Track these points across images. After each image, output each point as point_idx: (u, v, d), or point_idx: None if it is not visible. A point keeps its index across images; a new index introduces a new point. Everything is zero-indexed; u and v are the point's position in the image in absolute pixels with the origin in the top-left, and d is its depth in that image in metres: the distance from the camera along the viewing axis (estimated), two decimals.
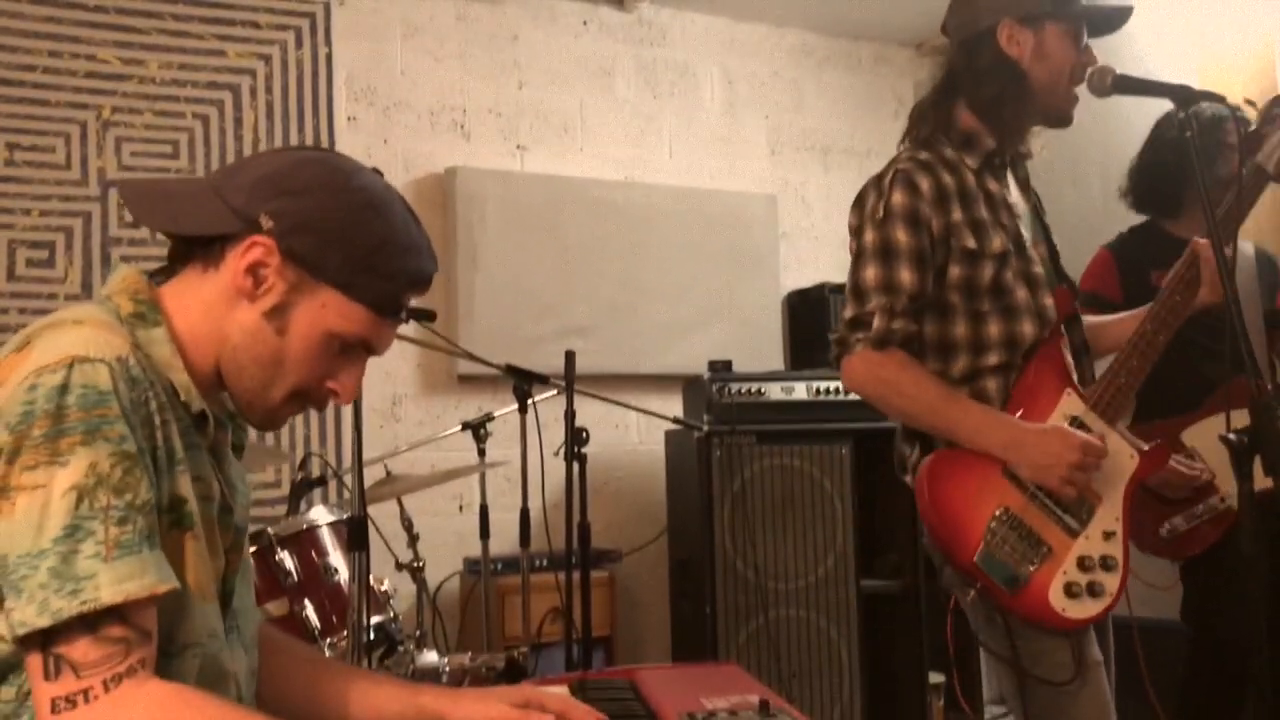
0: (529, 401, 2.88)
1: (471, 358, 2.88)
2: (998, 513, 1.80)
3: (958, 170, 1.89)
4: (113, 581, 0.95)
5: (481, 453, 3.00)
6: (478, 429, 3.00)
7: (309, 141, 3.72)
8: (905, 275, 1.83)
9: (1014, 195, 1.98)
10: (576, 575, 2.77)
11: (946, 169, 1.88)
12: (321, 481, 3.08)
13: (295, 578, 2.51)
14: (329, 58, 3.78)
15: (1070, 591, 1.77)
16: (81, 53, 3.45)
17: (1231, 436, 1.51)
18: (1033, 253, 1.93)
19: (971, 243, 1.84)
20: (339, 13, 3.82)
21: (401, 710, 1.28)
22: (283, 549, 2.52)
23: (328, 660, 1.39)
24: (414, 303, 1.23)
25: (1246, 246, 2.72)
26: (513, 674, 2.50)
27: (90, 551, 0.95)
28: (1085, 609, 1.78)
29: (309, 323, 1.12)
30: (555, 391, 2.89)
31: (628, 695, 1.49)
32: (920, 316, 1.88)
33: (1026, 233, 1.95)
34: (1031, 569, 1.78)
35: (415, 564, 2.76)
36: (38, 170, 3.39)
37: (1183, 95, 1.66)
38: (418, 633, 2.72)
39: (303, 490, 2.94)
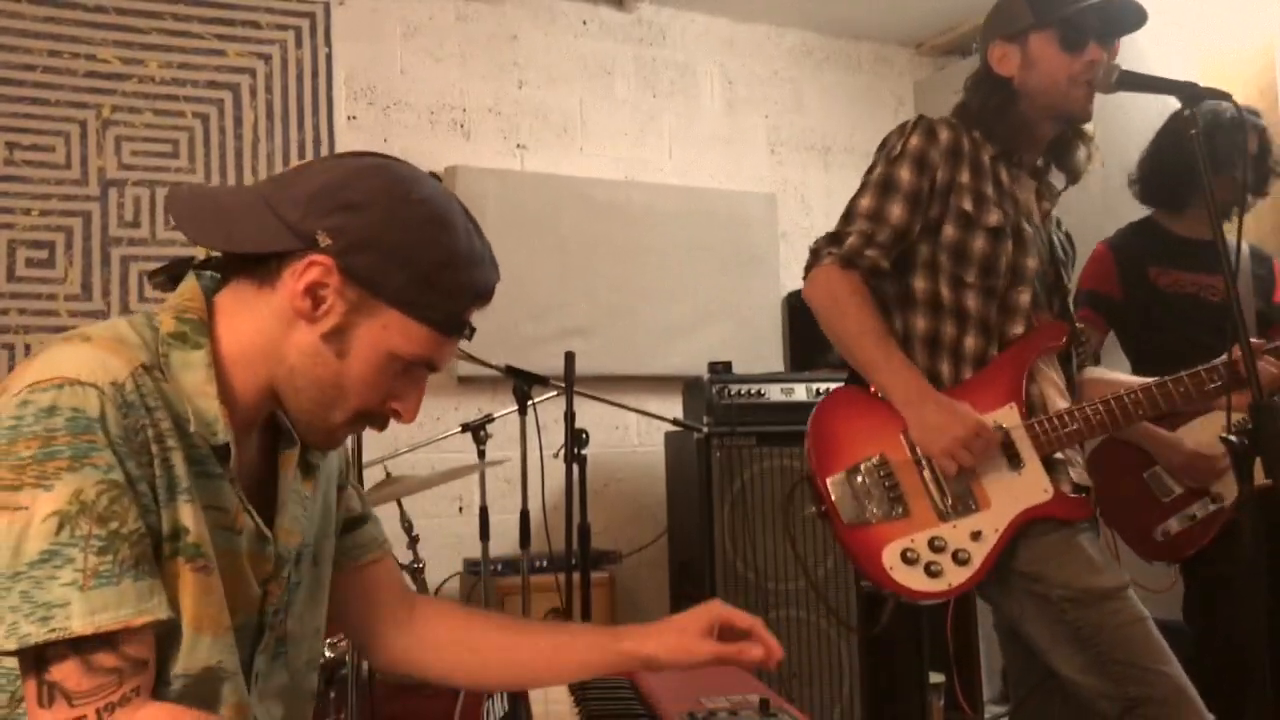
0: (529, 403, 2.88)
1: (471, 359, 2.88)
2: (875, 458, 1.85)
3: (978, 145, 1.96)
4: (85, 612, 0.93)
5: (481, 454, 3.00)
6: (477, 430, 2.99)
7: (309, 141, 3.72)
8: (896, 210, 1.89)
9: (1029, 199, 2.00)
10: (577, 576, 2.76)
11: (969, 136, 1.95)
12: None
13: None
14: (329, 57, 3.79)
15: (906, 557, 1.80)
16: (81, 52, 3.45)
17: (1232, 438, 1.51)
18: (1032, 251, 1.94)
19: (969, 206, 1.90)
20: (339, 12, 3.82)
21: (603, 658, 1.29)
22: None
23: (519, 622, 1.39)
24: None
25: (1243, 246, 2.72)
26: None
27: (67, 579, 0.93)
28: (913, 579, 1.79)
29: (370, 345, 1.07)
30: (555, 393, 2.88)
31: (628, 695, 1.49)
32: (903, 265, 1.93)
33: (1028, 226, 1.96)
34: (877, 518, 1.82)
35: (415, 565, 2.76)
36: (37, 169, 3.39)
37: (1188, 92, 1.66)
38: None
39: None
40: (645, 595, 4.06)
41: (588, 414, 3.02)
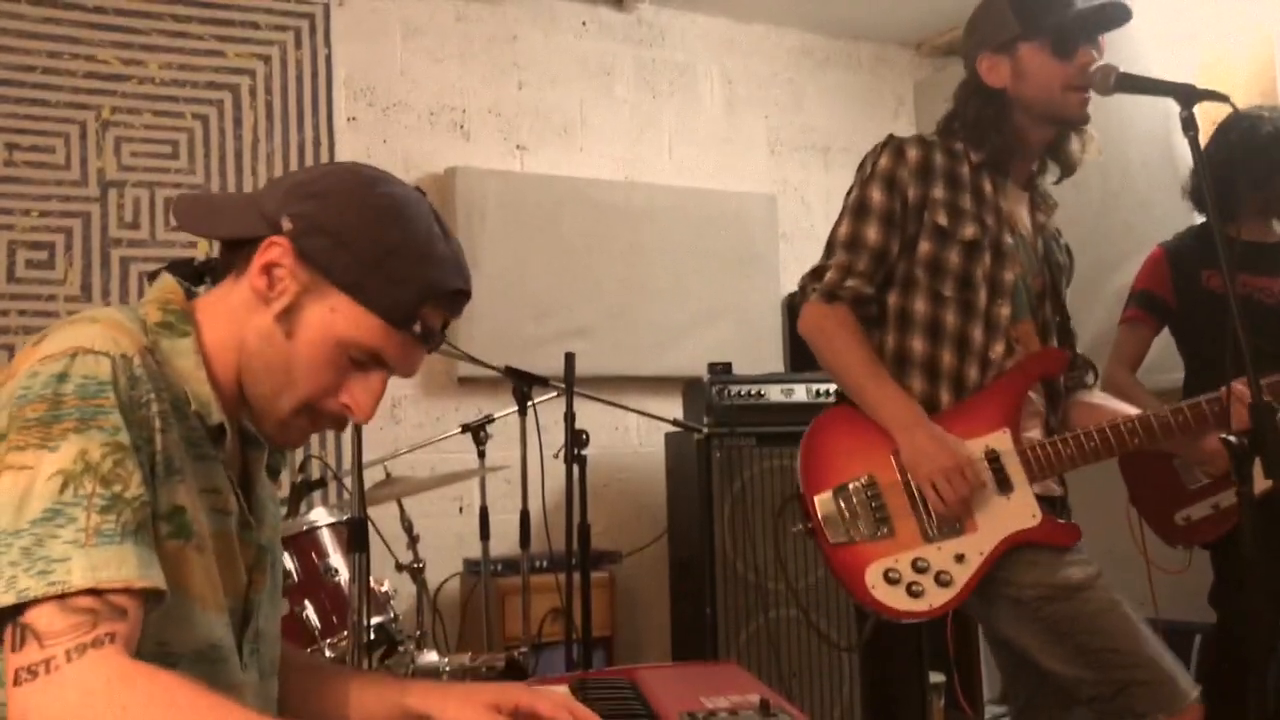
0: (529, 404, 2.88)
1: (471, 360, 2.88)
2: (863, 478, 1.88)
3: (957, 158, 1.96)
4: (86, 568, 0.92)
5: (481, 455, 3.00)
6: (478, 431, 2.99)
7: (308, 142, 3.72)
8: (872, 232, 1.92)
9: (1016, 210, 2.01)
10: (577, 576, 2.76)
11: (945, 153, 1.96)
12: (321, 483, 3.07)
13: (295, 578, 2.51)
14: (328, 58, 3.78)
15: (888, 577, 1.83)
16: (81, 53, 3.45)
17: (1232, 439, 1.51)
18: (1009, 264, 1.94)
19: (943, 220, 1.91)
20: (338, 13, 3.82)
21: (388, 711, 1.27)
22: (283, 550, 2.51)
23: (322, 665, 1.37)
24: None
25: None
26: (513, 674, 2.51)
27: (68, 537, 0.92)
28: (894, 598, 1.82)
29: (317, 327, 1.10)
30: (555, 394, 2.88)
31: (628, 694, 1.49)
32: (881, 283, 1.95)
33: (1020, 253, 1.97)
34: (862, 537, 1.85)
35: (415, 565, 2.76)
36: (37, 170, 3.39)
37: (1185, 94, 1.66)
38: (418, 633, 2.72)
39: (303, 492, 2.93)
40: (645, 595, 4.06)
41: (588, 415, 3.01)
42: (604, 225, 4.06)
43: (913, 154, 1.93)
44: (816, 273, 1.96)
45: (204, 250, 3.30)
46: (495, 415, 3.05)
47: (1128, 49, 3.75)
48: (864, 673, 3.40)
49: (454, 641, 3.60)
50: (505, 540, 3.28)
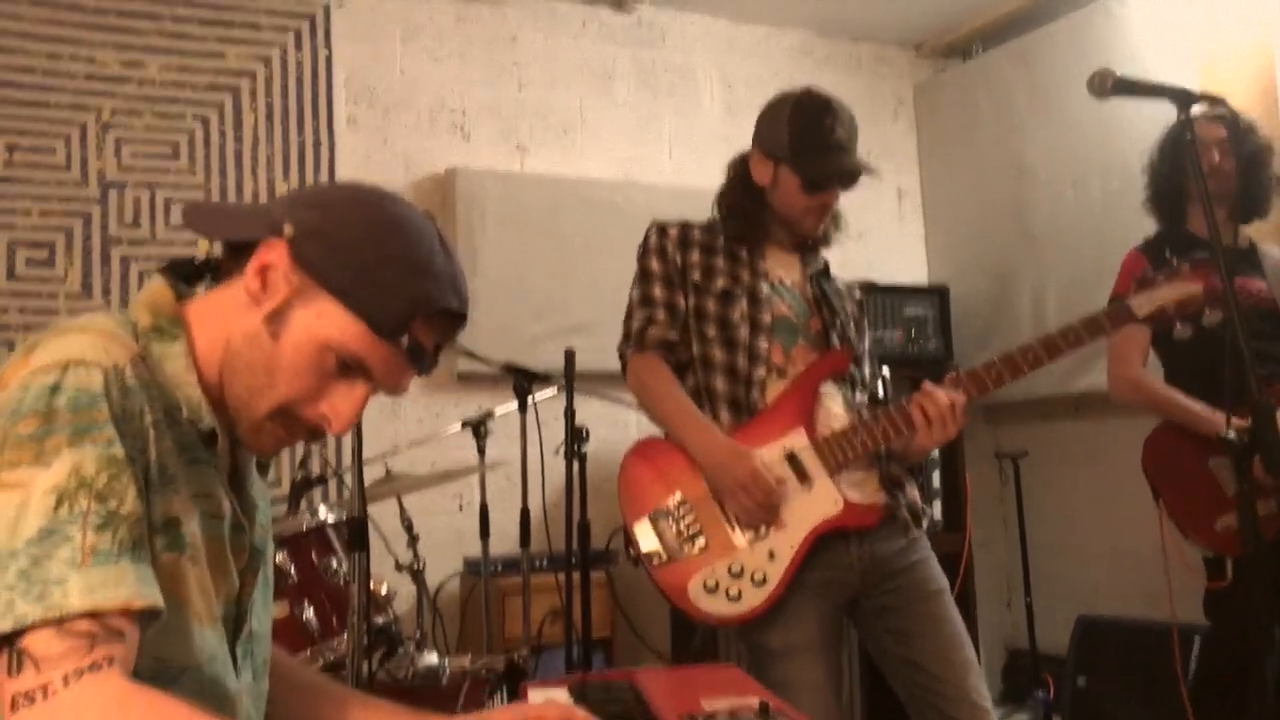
0: (529, 400, 2.88)
1: (471, 356, 2.88)
2: (675, 498, 2.06)
3: (714, 232, 2.24)
4: (84, 590, 0.91)
5: (481, 451, 2.99)
6: (478, 427, 2.99)
7: (309, 143, 3.73)
8: (657, 290, 2.19)
9: (777, 267, 2.21)
10: (577, 576, 2.76)
11: (702, 230, 2.24)
12: (321, 481, 3.07)
13: (294, 579, 2.49)
14: (329, 59, 3.79)
15: (706, 587, 1.98)
16: (81, 55, 3.46)
17: (1231, 435, 1.52)
18: (766, 308, 2.15)
19: (698, 277, 2.18)
20: (338, 14, 3.83)
21: None
22: (281, 550, 2.50)
23: (325, 685, 1.35)
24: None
25: (1274, 250, 2.73)
26: (512, 676, 2.50)
27: (65, 557, 0.91)
28: (716, 606, 1.97)
29: (304, 330, 1.09)
30: (555, 390, 2.88)
31: (627, 696, 1.49)
32: (679, 329, 2.16)
33: (784, 298, 2.18)
34: (681, 554, 2.01)
35: (415, 565, 2.75)
36: (38, 171, 3.39)
37: (1182, 97, 1.67)
38: (418, 634, 2.71)
39: (302, 490, 2.93)
40: (645, 594, 4.05)
41: (588, 411, 3.01)
42: (604, 225, 4.06)
43: (673, 232, 2.22)
44: (625, 335, 2.21)
45: (204, 250, 3.31)
46: (495, 411, 3.05)
47: (1127, 50, 3.76)
48: (863, 674, 3.40)
49: (454, 642, 3.59)
50: (505, 538, 3.28)
